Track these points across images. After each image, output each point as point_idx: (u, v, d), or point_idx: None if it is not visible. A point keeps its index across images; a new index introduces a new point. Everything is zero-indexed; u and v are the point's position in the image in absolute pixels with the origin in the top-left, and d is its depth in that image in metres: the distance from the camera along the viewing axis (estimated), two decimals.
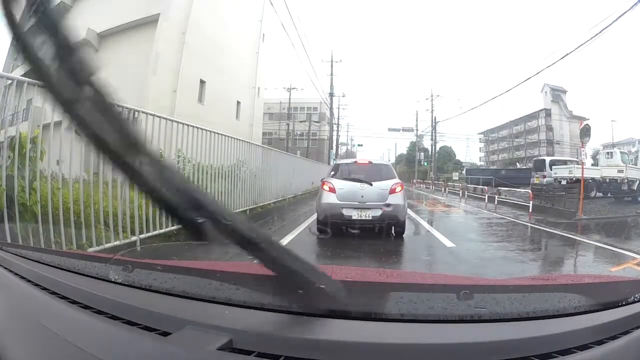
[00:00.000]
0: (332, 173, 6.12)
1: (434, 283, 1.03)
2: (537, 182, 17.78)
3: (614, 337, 0.68)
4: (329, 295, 0.69)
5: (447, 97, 74.39)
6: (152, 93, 12.40)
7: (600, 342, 0.66)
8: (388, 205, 5.48)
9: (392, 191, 5.58)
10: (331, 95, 27.65)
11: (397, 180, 5.85)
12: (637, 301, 0.81)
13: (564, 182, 15.55)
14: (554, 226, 8.26)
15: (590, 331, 0.68)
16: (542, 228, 8.14)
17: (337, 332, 0.66)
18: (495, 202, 13.09)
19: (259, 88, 21.34)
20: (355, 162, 6.70)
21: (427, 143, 39.27)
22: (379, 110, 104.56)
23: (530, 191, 11.88)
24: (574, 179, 14.53)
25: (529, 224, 8.78)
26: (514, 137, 46.61)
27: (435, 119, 34.44)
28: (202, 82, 15.41)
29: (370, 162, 6.39)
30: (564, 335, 0.67)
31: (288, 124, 35.03)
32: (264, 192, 8.57)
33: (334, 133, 31.33)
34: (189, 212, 0.60)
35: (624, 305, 0.79)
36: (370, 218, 5.52)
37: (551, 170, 17.56)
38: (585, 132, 10.92)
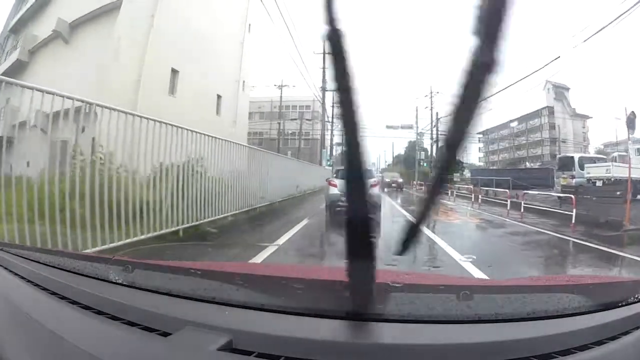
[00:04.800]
0: (334, 175, 10.20)
1: (435, 284, 1.03)
2: (565, 183, 15.53)
3: (614, 338, 0.68)
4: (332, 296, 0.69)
5: (447, 93, 73.07)
6: (113, 83, 10.69)
7: (600, 343, 0.66)
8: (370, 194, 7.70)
9: (372, 185, 7.99)
10: (323, 89, 24.32)
11: (375, 179, 10.78)
12: (637, 301, 0.81)
13: (599, 184, 13.68)
14: (606, 242, 6.11)
15: (590, 331, 0.68)
16: (600, 248, 5.85)
17: (337, 332, 0.66)
18: (522, 210, 10.31)
19: (244, 82, 19.14)
20: None
21: (426, 143, 37.70)
22: (377, 108, 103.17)
23: (573, 196, 9.16)
24: (613, 179, 12.99)
25: (578, 241, 6.52)
26: (514, 136, 46.03)
27: (437, 114, 31.77)
28: (174, 71, 13.49)
29: None
30: (564, 335, 0.67)
31: (279, 123, 33.11)
32: (227, 202, 6.81)
33: (327, 132, 28.38)
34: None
35: (624, 305, 0.79)
36: None
37: (581, 169, 15.45)
38: (630, 122, 8.79)
